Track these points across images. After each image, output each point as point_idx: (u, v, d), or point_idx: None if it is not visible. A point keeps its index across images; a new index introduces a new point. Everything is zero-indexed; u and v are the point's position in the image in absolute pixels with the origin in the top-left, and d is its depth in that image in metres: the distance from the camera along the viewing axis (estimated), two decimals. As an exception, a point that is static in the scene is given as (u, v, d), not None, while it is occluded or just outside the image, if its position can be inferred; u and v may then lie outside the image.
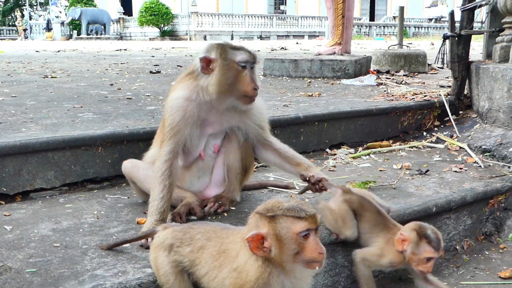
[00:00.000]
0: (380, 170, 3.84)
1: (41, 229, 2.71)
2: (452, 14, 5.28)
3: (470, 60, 5.21)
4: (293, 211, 1.90)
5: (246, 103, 2.83)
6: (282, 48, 18.43)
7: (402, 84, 6.80)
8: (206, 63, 2.77)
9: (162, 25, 42.93)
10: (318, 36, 42.43)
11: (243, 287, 1.93)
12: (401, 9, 9.69)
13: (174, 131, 2.78)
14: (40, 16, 61.63)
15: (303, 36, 43.93)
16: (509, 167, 3.86)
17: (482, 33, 5.58)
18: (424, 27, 45.94)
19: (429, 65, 8.98)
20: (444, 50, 6.14)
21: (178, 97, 2.84)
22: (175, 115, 2.80)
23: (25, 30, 48.86)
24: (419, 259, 2.49)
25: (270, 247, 1.89)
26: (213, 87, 2.75)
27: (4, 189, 3.20)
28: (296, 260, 1.91)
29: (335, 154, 4.32)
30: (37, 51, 16.19)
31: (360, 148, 4.50)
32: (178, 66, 9.93)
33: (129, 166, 3.09)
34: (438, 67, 8.91)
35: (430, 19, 49.48)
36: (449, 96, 5.26)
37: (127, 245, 2.51)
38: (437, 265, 3.11)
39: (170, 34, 42.78)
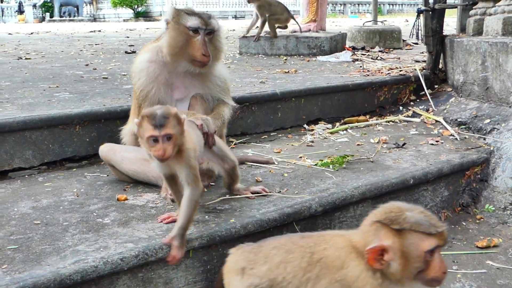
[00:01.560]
0: (358, 145, 3.88)
1: (20, 207, 2.71)
2: (426, -12, 5.31)
3: (444, 34, 5.25)
4: (423, 226, 1.78)
5: (197, 66, 2.89)
6: (257, 27, 18.32)
7: (378, 60, 6.84)
8: (166, 24, 2.87)
9: (136, 6, 42.32)
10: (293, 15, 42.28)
11: None
12: (375, -15, 9.72)
13: (144, 92, 2.88)
14: (10, -2, 60.38)
15: (278, 15, 43.69)
16: (484, 139, 3.93)
17: (456, 7, 5.63)
18: (398, 4, 46.02)
19: (404, 41, 9.03)
20: (418, 25, 6.18)
21: (141, 61, 2.94)
22: (141, 77, 2.90)
23: (-4, 12, 47.90)
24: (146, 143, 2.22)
25: (390, 260, 1.77)
26: (165, 48, 2.84)
27: (-18, 169, 3.18)
28: (418, 278, 1.79)
29: (312, 130, 4.35)
30: (9, 34, 15.86)
31: (337, 124, 4.54)
32: (153, 46, 9.83)
33: (105, 150, 3.11)
34: (413, 43, 8.96)
35: (404, -4, 49.56)
36: (424, 71, 5.31)
37: (108, 221, 2.52)
38: (415, 235, 3.17)
39: (144, 15, 42.22)
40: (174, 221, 2.45)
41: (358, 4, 44.20)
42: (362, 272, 1.81)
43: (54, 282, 2.00)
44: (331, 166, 3.32)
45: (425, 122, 4.53)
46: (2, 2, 50.14)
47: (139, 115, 2.76)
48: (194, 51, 2.80)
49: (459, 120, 4.32)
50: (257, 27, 7.85)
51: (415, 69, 5.34)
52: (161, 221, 2.49)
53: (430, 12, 5.12)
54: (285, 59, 7.03)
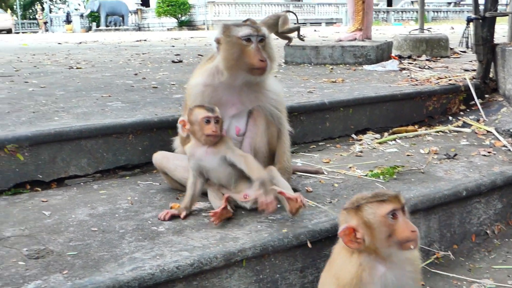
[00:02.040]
0: (408, 155, 3.85)
1: (78, 214, 2.78)
2: (476, -4, 5.24)
3: (495, 42, 5.17)
4: (376, 197, 1.97)
5: (256, 74, 2.90)
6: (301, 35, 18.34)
7: (425, 68, 6.77)
8: (218, 43, 2.89)
9: (180, 16, 43.00)
10: (335, 23, 42.23)
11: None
12: (422, -7, 9.61)
13: None
14: (59, 9, 62.08)
15: (320, 23, 43.70)
16: (537, 149, 3.84)
17: (507, 15, 5.53)
18: (443, 11, 45.46)
19: (451, 49, 8.92)
20: (468, 33, 6.10)
21: (197, 84, 2.96)
22: (196, 102, 2.90)
23: (45, 23, 49.29)
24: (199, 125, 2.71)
25: (362, 237, 1.93)
26: (222, 64, 2.86)
27: (40, 176, 3.28)
28: (390, 244, 1.93)
29: (361, 140, 4.34)
30: (59, 43, 16.32)
31: (385, 133, 4.51)
32: (199, 55, 9.96)
33: (159, 157, 3.16)
34: (461, 51, 8.84)
35: (449, 3, 48.91)
36: (474, 80, 5.24)
37: (162, 229, 2.57)
38: (468, 249, 3.13)
39: (188, 24, 42.84)
40: (173, 215, 2.69)
41: (402, 12, 43.81)
42: (344, 259, 2.01)
43: (113, 288, 2.06)
44: (381, 177, 3.30)
45: (476, 133, 4.46)
46: (51, 12, 51.50)
47: None
48: (251, 59, 2.83)
49: (511, 130, 4.24)
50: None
51: (465, 78, 5.27)
52: (163, 219, 2.68)
53: (481, 21, 5.05)
54: (331, 68, 7.03)
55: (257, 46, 2.85)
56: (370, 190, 3.07)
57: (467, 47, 7.00)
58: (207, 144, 2.72)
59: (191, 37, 19.97)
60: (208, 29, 39.81)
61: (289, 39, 8.31)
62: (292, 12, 8.34)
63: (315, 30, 26.14)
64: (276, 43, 2.98)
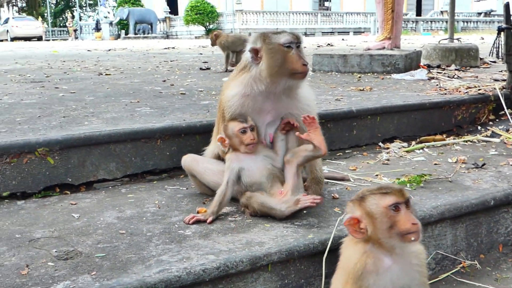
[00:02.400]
0: (435, 164, 3.82)
1: (106, 217, 2.82)
2: (507, 6, 5.19)
3: (526, 52, 5.12)
4: (380, 189, 2.06)
5: (298, 79, 2.93)
6: (328, 44, 18.39)
7: (454, 78, 6.71)
8: (255, 53, 2.90)
9: (208, 24, 43.28)
10: (363, 32, 42.08)
11: (349, 276, 2.03)
12: (452, 1, 9.52)
13: None
14: (89, 17, 62.96)
15: (348, 32, 43.64)
16: None
17: (539, 25, 5.46)
18: (473, 22, 44.95)
19: (481, 59, 8.83)
20: (498, 43, 6.04)
21: (235, 94, 2.96)
22: (236, 113, 2.94)
23: (75, 30, 50.02)
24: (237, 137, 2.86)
25: (366, 227, 2.03)
26: (265, 71, 2.87)
27: (70, 180, 3.33)
28: (391, 235, 2.00)
29: (388, 148, 4.32)
30: (88, 50, 16.58)
31: (413, 142, 4.48)
32: (227, 63, 10.03)
33: (188, 160, 3.19)
34: (491, 61, 8.75)
35: (479, 13, 48.35)
36: (504, 90, 5.19)
37: (189, 233, 2.59)
38: (495, 259, 3.09)
39: (216, 32, 43.05)
40: (198, 220, 2.73)
41: (431, 22, 43.48)
42: (350, 249, 2.10)
43: (140, 290, 2.08)
44: (408, 185, 3.28)
45: (505, 143, 4.41)
46: (80, 20, 52.28)
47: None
48: (294, 64, 2.85)
49: (541, 140, 4.19)
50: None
51: (495, 88, 5.22)
52: (188, 222, 2.73)
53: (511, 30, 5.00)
54: (359, 77, 7.01)
55: (298, 51, 2.88)
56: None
57: (498, 57, 6.93)
58: (248, 151, 2.86)
59: (219, 45, 20.07)
60: (235, 37, 39.95)
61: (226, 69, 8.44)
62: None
63: (343, 39, 26.13)
64: (304, 51, 3.01)
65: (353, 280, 2.02)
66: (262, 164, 2.86)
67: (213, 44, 8.65)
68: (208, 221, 2.72)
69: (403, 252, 2.06)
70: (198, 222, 2.73)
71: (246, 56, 2.97)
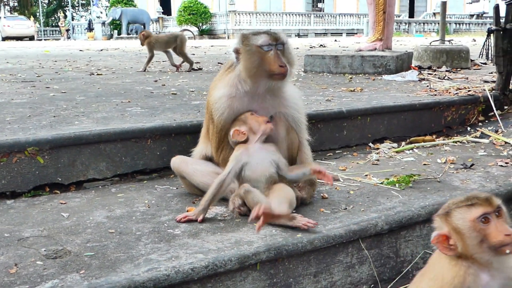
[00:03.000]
0: (424, 164, 3.84)
1: (96, 216, 2.83)
2: (497, 8, 5.23)
3: (515, 54, 5.15)
4: (465, 201, 1.90)
5: (277, 80, 2.93)
6: (321, 45, 18.42)
7: (445, 79, 6.76)
8: (237, 53, 2.93)
9: (201, 24, 43.21)
10: (356, 33, 42.15)
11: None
12: (443, 4, 9.59)
13: (226, 126, 2.95)
14: (82, 16, 62.71)
15: (341, 33, 43.70)
16: (556, 161, 3.82)
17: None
18: (466, 23, 45.15)
19: (472, 60, 8.87)
20: (488, 45, 6.08)
21: (222, 96, 2.97)
22: (224, 115, 2.95)
23: (67, 30, 49.84)
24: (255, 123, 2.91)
25: (455, 243, 1.87)
26: (243, 72, 2.90)
27: (59, 179, 3.33)
28: (483, 249, 1.84)
29: (378, 149, 4.34)
30: (80, 50, 16.52)
31: (403, 143, 4.51)
32: (218, 63, 10.05)
33: (177, 161, 3.19)
34: (481, 63, 8.80)
35: (472, 15, 48.56)
36: (493, 91, 5.23)
37: (178, 232, 2.60)
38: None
39: (209, 33, 43.06)
40: (190, 219, 2.73)
41: (424, 23, 43.63)
42: (442, 264, 1.92)
43: (129, 288, 2.09)
44: (397, 185, 3.31)
45: (494, 144, 4.44)
46: (73, 20, 52.10)
47: (218, 144, 3.01)
48: (271, 66, 2.87)
49: (530, 141, 4.22)
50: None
51: (484, 90, 5.25)
52: (179, 221, 2.73)
53: (501, 32, 5.04)
54: (350, 78, 7.04)
55: (276, 52, 2.88)
56: (385, 197, 3.08)
57: (488, 59, 6.96)
58: (266, 131, 2.88)
59: (212, 46, 20.08)
60: (228, 38, 39.99)
61: (191, 63, 8.70)
62: (189, 30, 8.71)
63: (335, 40, 26.18)
64: (296, 52, 3.02)
65: None
66: (267, 165, 2.84)
67: (142, 44, 8.73)
68: (199, 219, 2.73)
69: (502, 266, 1.88)
70: (190, 221, 2.73)
71: (232, 57, 2.99)
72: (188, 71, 8.46)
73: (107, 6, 51.96)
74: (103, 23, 45.57)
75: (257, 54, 2.87)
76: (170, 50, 8.74)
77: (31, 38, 44.33)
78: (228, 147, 3.00)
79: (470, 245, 1.85)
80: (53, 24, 63.31)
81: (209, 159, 3.14)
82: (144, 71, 8.37)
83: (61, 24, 53.19)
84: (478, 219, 1.84)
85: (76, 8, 65.03)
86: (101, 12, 52.22)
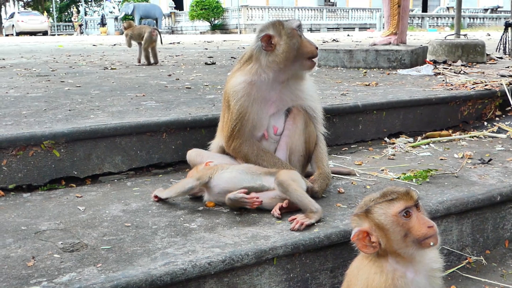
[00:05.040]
0: (441, 159, 3.80)
1: (111, 210, 2.82)
2: (514, 1, 5.17)
3: (533, 48, 5.10)
4: (384, 197, 1.90)
5: (310, 67, 2.99)
6: (334, 40, 18.33)
7: (461, 74, 6.69)
8: (267, 40, 2.91)
9: (213, 19, 43.25)
10: (369, 28, 41.99)
11: None
12: (459, -3, 9.49)
13: (242, 114, 2.93)
14: (94, 11, 62.93)
15: (354, 28, 43.53)
16: None
17: (546, 21, 5.44)
18: (480, 18, 44.79)
19: (487, 55, 8.78)
20: (505, 39, 6.01)
21: (241, 82, 2.97)
22: (241, 100, 2.92)
23: (80, 25, 50.05)
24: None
25: (378, 240, 1.87)
26: (281, 57, 2.89)
27: (75, 173, 3.34)
28: (408, 243, 1.85)
29: (393, 143, 4.31)
30: (94, 45, 16.60)
31: (419, 138, 4.47)
32: (232, 57, 10.03)
33: (193, 154, 3.19)
34: (497, 57, 8.71)
35: (486, 9, 48.14)
36: (511, 85, 5.16)
37: (194, 226, 2.59)
38: (501, 255, 3.09)
39: (221, 28, 43.07)
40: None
41: (437, 18, 43.33)
42: (366, 269, 1.91)
43: (146, 282, 2.08)
44: (414, 180, 3.27)
45: (511, 139, 4.39)
46: (86, 15, 52.28)
47: (231, 133, 2.96)
48: (309, 48, 2.92)
49: (548, 136, 4.17)
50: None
51: (501, 84, 5.19)
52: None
53: (519, 26, 4.98)
54: (365, 72, 6.99)
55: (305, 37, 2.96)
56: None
57: (505, 53, 6.89)
58: None
59: (224, 40, 20.07)
60: (240, 32, 39.95)
61: (148, 62, 8.62)
62: (159, 32, 8.64)
63: (348, 35, 26.07)
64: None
65: None
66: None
67: (124, 33, 8.91)
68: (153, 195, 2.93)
69: (424, 259, 1.92)
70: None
71: (253, 47, 2.96)
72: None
73: (120, 1, 52.05)
74: (116, 18, 45.69)
75: (296, 37, 2.90)
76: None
77: (45, 33, 44.58)
78: (239, 137, 2.97)
79: (394, 240, 1.85)
80: (66, 19, 63.52)
81: (225, 152, 3.12)
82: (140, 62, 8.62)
83: (74, 19, 53.45)
84: (400, 214, 1.85)
85: (89, 3, 65.19)
86: (114, 7, 52.34)
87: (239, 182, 2.78)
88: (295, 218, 2.57)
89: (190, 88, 5.49)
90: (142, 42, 8.55)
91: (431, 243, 1.84)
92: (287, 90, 3.01)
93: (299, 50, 2.90)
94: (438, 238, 1.86)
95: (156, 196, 2.93)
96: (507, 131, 4.56)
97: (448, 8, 46.19)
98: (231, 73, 3.10)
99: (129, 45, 8.95)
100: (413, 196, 1.89)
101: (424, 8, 53.10)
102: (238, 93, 2.93)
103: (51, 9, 58.78)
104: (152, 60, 8.55)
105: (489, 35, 19.63)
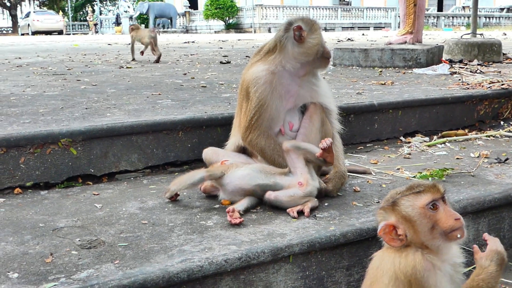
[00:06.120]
0: (457, 158, 3.79)
1: (128, 207, 2.84)
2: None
3: (551, 47, 5.05)
4: (411, 189, 1.91)
5: (326, 65, 3.09)
6: (349, 39, 18.30)
7: (477, 73, 6.65)
8: (299, 31, 2.95)
9: (227, 18, 43.33)
10: (384, 27, 41.84)
11: (409, 284, 1.82)
12: (475, -4, 9.42)
13: (262, 102, 2.93)
14: (109, 11, 63.35)
15: (368, 27, 43.43)
16: None
17: None
18: (495, 17, 44.44)
19: (504, 54, 8.73)
20: (522, 38, 5.98)
21: (263, 69, 2.97)
22: (261, 88, 2.93)
23: (95, 24, 50.38)
24: None
25: (404, 233, 1.87)
26: (311, 50, 2.96)
27: (92, 170, 3.36)
28: (435, 235, 1.86)
29: (409, 142, 4.29)
30: (109, 44, 16.67)
31: (435, 137, 4.45)
32: (246, 56, 10.04)
33: (209, 152, 3.19)
34: (514, 57, 8.65)
35: (502, 9, 47.76)
36: (528, 85, 5.12)
37: (211, 224, 2.60)
38: (512, 256, 3.06)
39: (235, 27, 43.13)
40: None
41: (453, 17, 43.06)
42: (396, 259, 1.87)
43: (163, 279, 2.09)
44: (430, 179, 3.26)
45: (528, 138, 4.36)
46: (101, 14, 52.55)
47: (249, 123, 2.95)
48: (326, 48, 3.04)
49: None
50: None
51: (518, 83, 5.15)
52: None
53: (536, 24, 4.93)
54: (380, 71, 6.97)
55: None
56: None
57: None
58: None
59: (239, 40, 20.08)
60: (255, 32, 39.98)
61: (133, 58, 9.38)
62: (158, 32, 9.21)
63: (363, 34, 26.00)
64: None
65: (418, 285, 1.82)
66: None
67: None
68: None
69: (449, 252, 1.92)
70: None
71: (283, 35, 2.97)
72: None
73: (135, 1, 52.33)
74: (131, 17, 45.92)
75: (321, 36, 3.01)
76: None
77: (60, 32, 44.90)
78: (257, 128, 2.96)
79: (422, 232, 1.86)
80: (81, 19, 63.96)
81: (242, 150, 3.12)
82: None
83: (89, 18, 53.78)
84: (427, 206, 1.86)
85: (104, 2, 65.61)
86: (129, 7, 52.70)
87: (252, 179, 2.78)
88: None
89: (205, 86, 5.51)
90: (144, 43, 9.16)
91: (458, 235, 1.85)
92: (306, 86, 3.03)
93: (322, 46, 2.99)
94: (465, 230, 1.86)
95: (170, 197, 2.93)
96: (524, 130, 4.53)
97: (463, 7, 45.88)
98: (249, 64, 3.11)
99: (133, 46, 9.50)
100: (440, 189, 1.90)
101: (440, 8, 52.81)
102: (260, 79, 2.93)
103: (66, 9, 59.19)
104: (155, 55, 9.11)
105: (505, 34, 19.49)
